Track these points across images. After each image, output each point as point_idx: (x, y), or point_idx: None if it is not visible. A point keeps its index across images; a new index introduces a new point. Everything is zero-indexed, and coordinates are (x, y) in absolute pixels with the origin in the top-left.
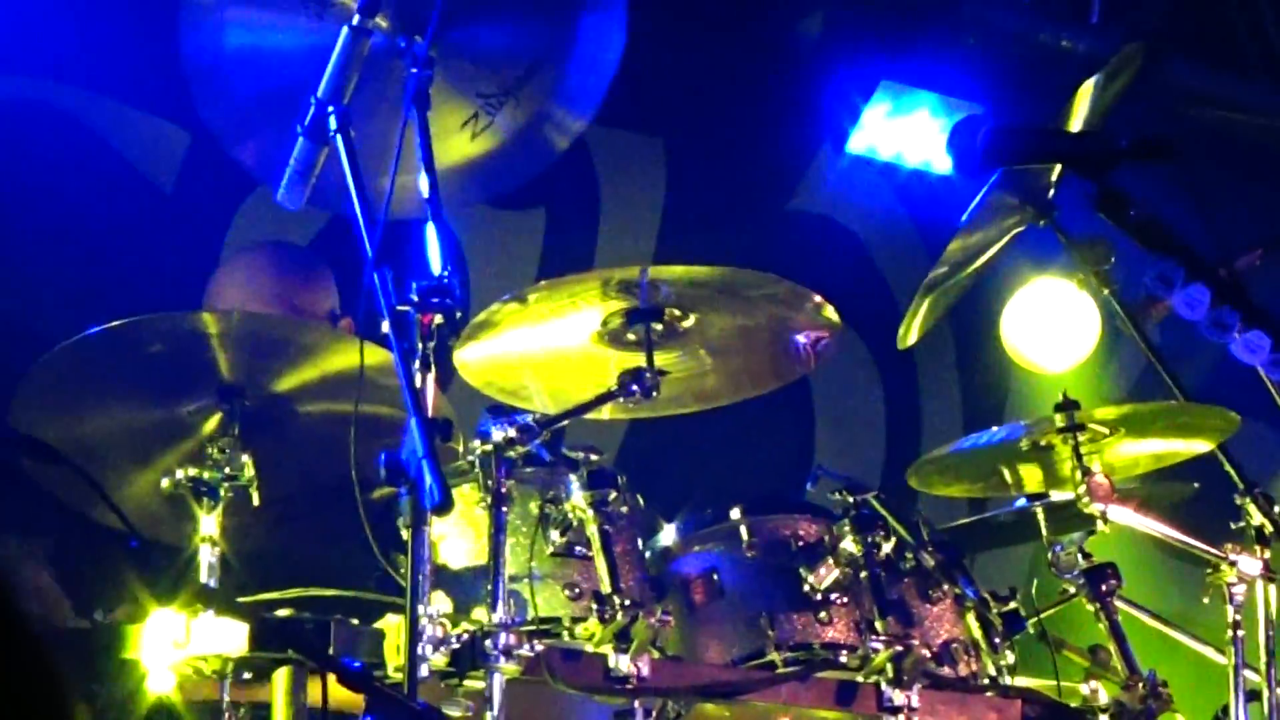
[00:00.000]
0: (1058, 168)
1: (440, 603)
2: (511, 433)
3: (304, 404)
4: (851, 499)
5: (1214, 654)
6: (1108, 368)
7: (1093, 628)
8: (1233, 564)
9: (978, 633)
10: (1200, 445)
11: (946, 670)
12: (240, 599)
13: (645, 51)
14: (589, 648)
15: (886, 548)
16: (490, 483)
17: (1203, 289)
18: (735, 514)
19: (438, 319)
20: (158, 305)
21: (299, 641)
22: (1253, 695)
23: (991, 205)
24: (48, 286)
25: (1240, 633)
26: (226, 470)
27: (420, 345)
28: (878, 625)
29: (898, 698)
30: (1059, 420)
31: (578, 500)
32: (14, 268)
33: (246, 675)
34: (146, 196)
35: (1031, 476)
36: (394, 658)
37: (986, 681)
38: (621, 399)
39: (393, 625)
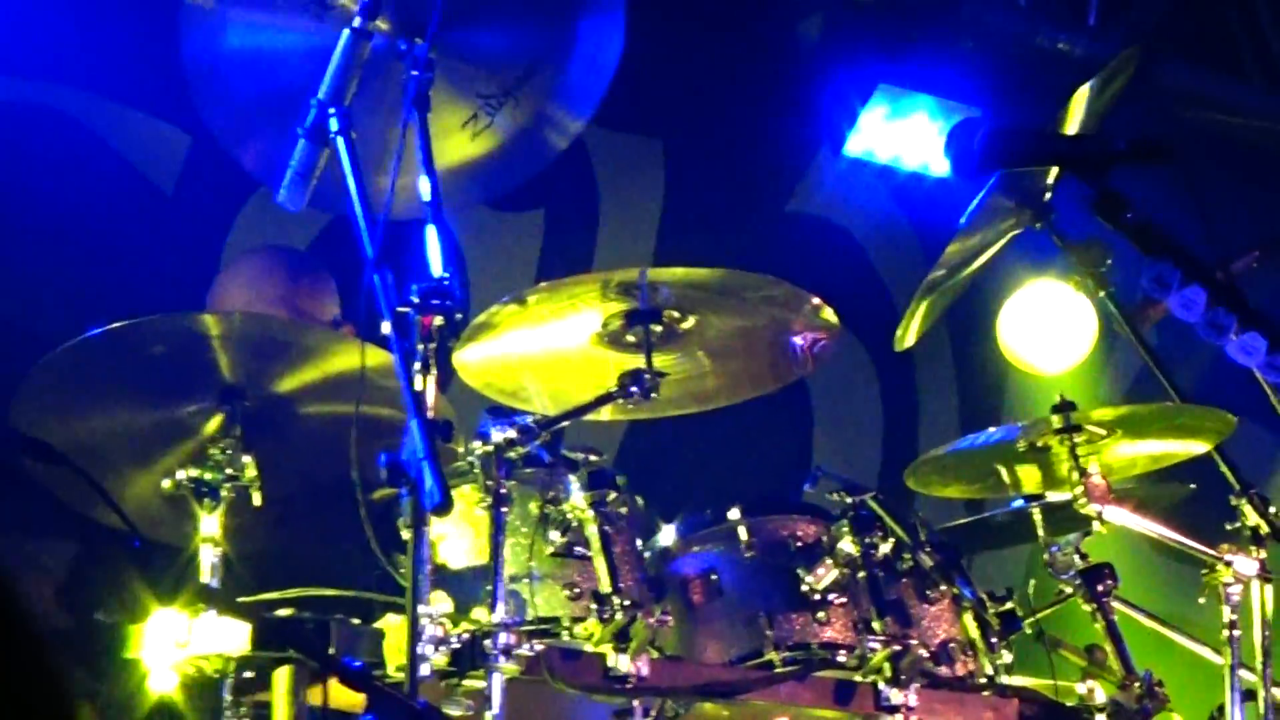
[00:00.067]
0: (1055, 170)
1: (440, 602)
2: (511, 434)
3: (305, 405)
4: (849, 500)
5: (1210, 654)
6: (1104, 369)
7: (1089, 628)
8: (1229, 564)
9: (975, 632)
10: (1197, 446)
11: (944, 670)
12: (241, 599)
13: (644, 53)
14: (588, 647)
15: (884, 548)
16: (490, 483)
17: (1199, 291)
18: (734, 514)
19: (438, 320)
20: (159, 306)
21: (300, 641)
22: (1248, 695)
23: (989, 208)
24: (49, 288)
25: (1236, 633)
26: (228, 471)
27: (420, 347)
28: (875, 625)
29: (895, 697)
30: (1056, 421)
31: (577, 501)
32: (16, 269)
33: (248, 674)
34: (148, 198)
35: (1029, 477)
36: (394, 657)
37: (984, 681)
38: (621, 400)
39: (393, 625)
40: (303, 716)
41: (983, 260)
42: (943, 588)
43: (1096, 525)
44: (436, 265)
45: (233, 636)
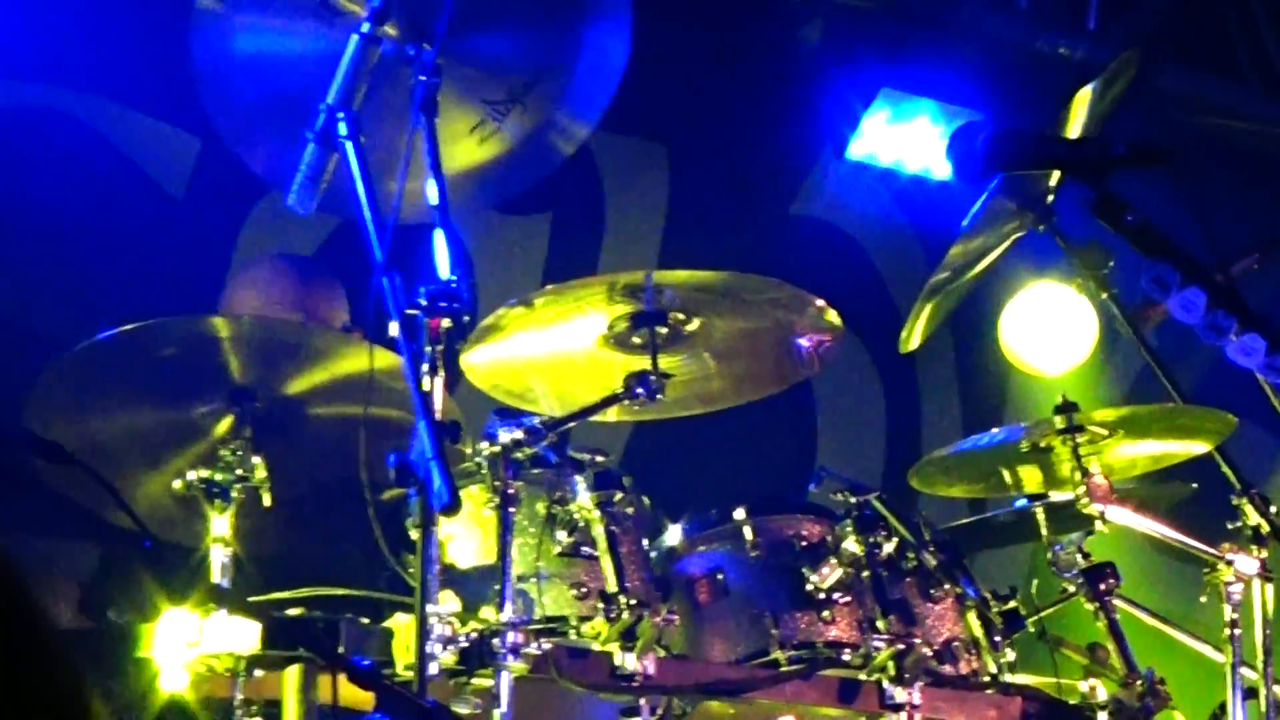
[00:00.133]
0: (1056, 173)
1: (449, 602)
2: (519, 435)
3: (314, 406)
4: (853, 500)
5: (1211, 652)
6: (1105, 370)
7: (1092, 626)
8: (1230, 563)
9: (978, 631)
10: (1198, 446)
11: (947, 668)
12: (252, 598)
13: (649, 59)
14: (595, 646)
15: (888, 548)
16: (498, 484)
17: (1199, 292)
18: (739, 514)
19: (446, 323)
20: (170, 309)
21: (310, 640)
22: (1250, 693)
23: (992, 210)
24: (61, 290)
25: (1237, 631)
26: (238, 472)
27: (428, 349)
28: (880, 624)
29: (899, 695)
30: (1058, 422)
31: (584, 501)
32: (28, 272)
33: (258, 673)
34: (158, 201)
35: (1031, 477)
36: (403, 656)
37: (987, 679)
38: (627, 401)
39: (402, 624)
40: (312, 715)
41: (986, 263)
42: (946, 587)
43: (1099, 525)
44: (444, 268)
45: (243, 636)
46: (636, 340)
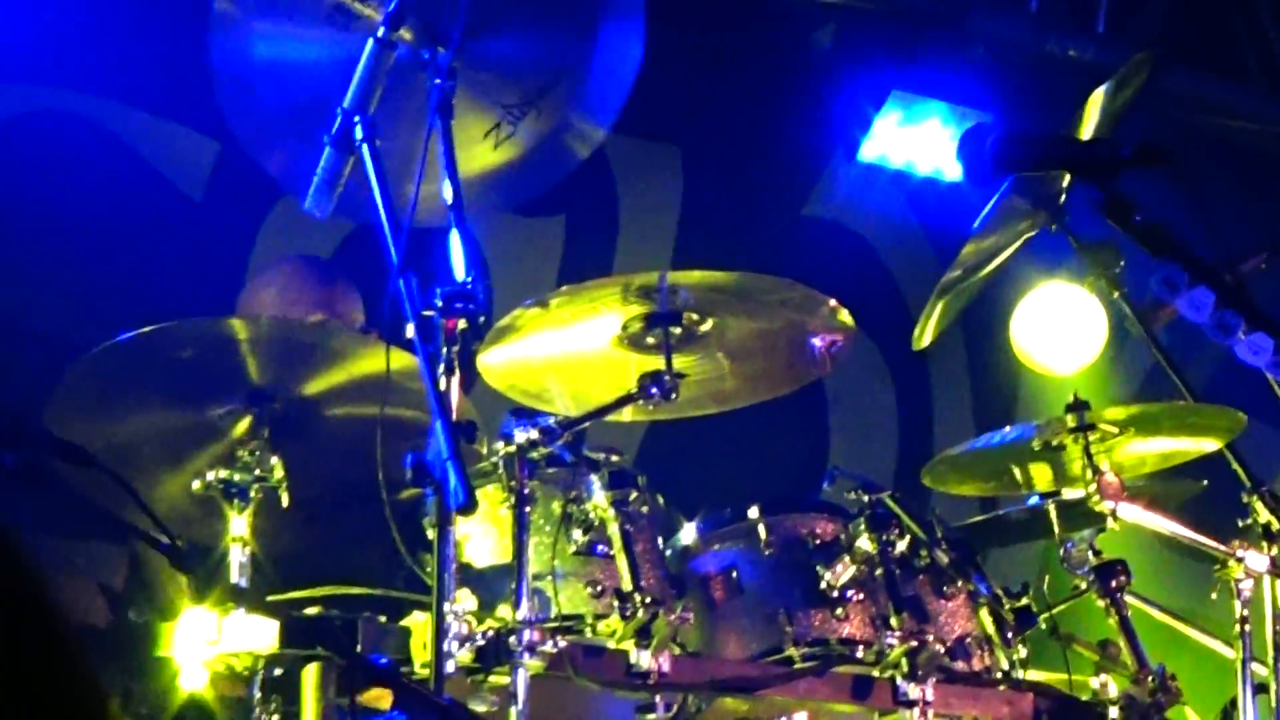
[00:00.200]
0: (1067, 174)
1: (466, 600)
2: (534, 434)
3: (332, 407)
4: (866, 498)
5: (1222, 648)
6: (1116, 369)
7: (1103, 623)
8: (1240, 560)
9: (991, 628)
10: (1208, 444)
11: (960, 664)
12: (270, 597)
13: (663, 63)
14: (611, 644)
15: (901, 545)
16: (513, 483)
17: (1207, 292)
18: (753, 513)
19: (461, 324)
20: (188, 311)
21: (328, 639)
22: (1260, 689)
23: (1004, 210)
24: (81, 293)
25: (1248, 627)
26: (256, 472)
27: (444, 349)
28: (893, 621)
29: (913, 692)
30: (1070, 420)
31: (599, 500)
32: (48, 275)
33: (277, 671)
34: (176, 204)
35: (1042, 475)
36: (420, 654)
37: (999, 675)
38: (641, 401)
39: (419, 622)
40: (330, 713)
41: (998, 262)
42: (959, 584)
43: (1110, 522)
44: (460, 270)
45: (262, 634)
46: (651, 340)
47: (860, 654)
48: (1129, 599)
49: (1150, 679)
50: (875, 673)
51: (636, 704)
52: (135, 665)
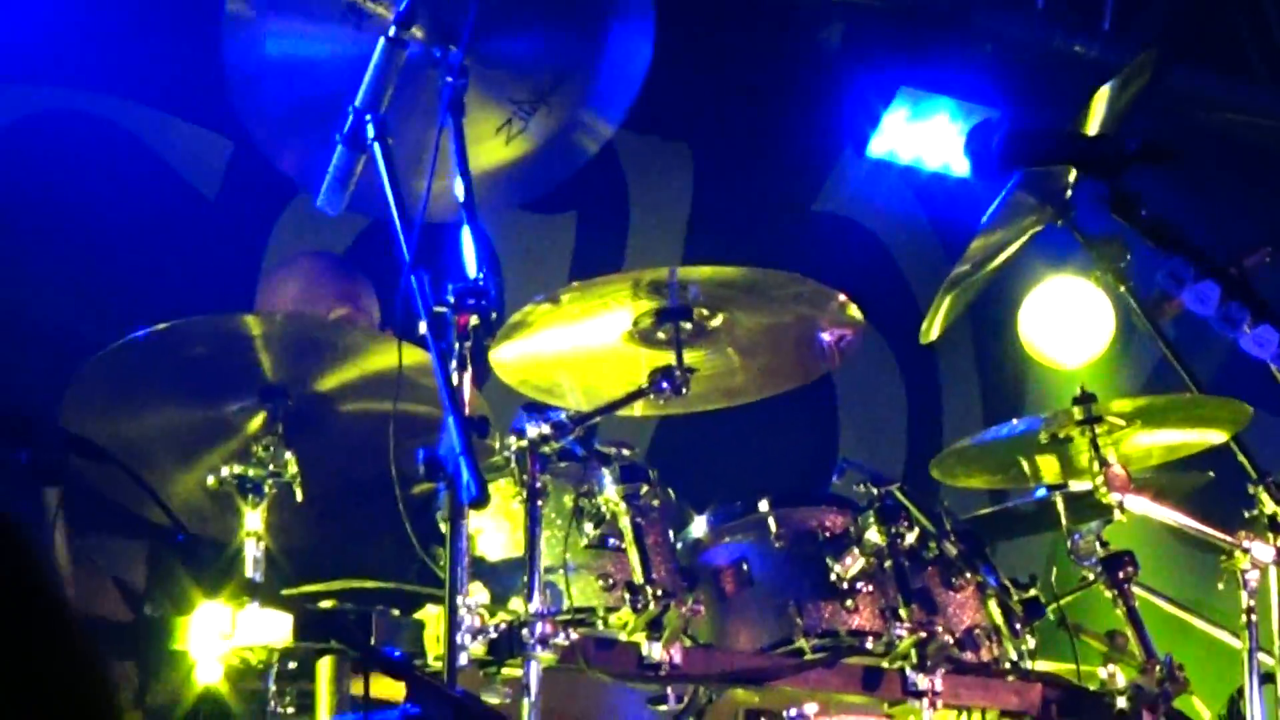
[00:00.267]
0: (1074, 169)
1: (478, 594)
2: (546, 429)
3: (345, 403)
4: (876, 490)
5: (1229, 638)
6: (1123, 362)
7: (1111, 613)
8: (1246, 551)
9: (999, 619)
10: (1214, 436)
11: (969, 655)
12: (284, 591)
13: (672, 60)
14: (623, 636)
15: (910, 537)
16: (526, 478)
17: (1212, 285)
18: (763, 506)
19: (473, 320)
20: (202, 308)
21: (342, 632)
22: (1267, 678)
23: (1011, 205)
24: (96, 290)
25: (1254, 617)
26: (270, 467)
27: (457, 345)
28: (902, 612)
29: (922, 682)
30: (1077, 413)
31: (610, 494)
32: (64, 273)
33: (291, 665)
34: (191, 202)
35: (1050, 467)
36: (434, 647)
37: (1008, 666)
38: (652, 396)
39: (432, 616)
40: (345, 705)
41: (1005, 256)
42: (967, 575)
43: (1117, 514)
44: (472, 266)
45: (276, 628)
46: (661, 336)
47: (870, 645)
48: (1136, 590)
49: (1158, 669)
50: (885, 664)
51: (648, 695)
52: (151, 659)
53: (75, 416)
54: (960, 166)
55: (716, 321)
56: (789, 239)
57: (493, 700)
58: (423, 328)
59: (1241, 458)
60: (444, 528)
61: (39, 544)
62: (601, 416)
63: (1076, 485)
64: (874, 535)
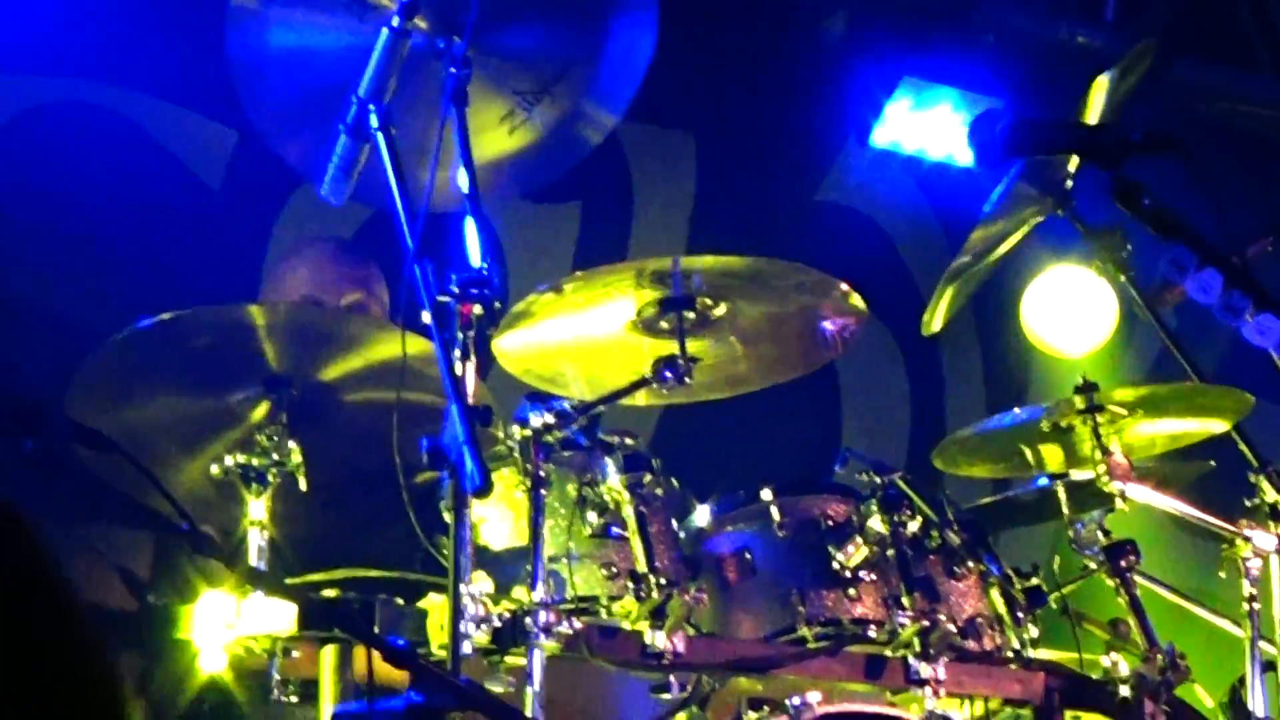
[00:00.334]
0: (1075, 159)
1: (482, 582)
2: (549, 418)
3: (349, 392)
4: (878, 479)
5: (1230, 627)
6: (1125, 351)
7: (1113, 602)
8: (1248, 539)
9: (1001, 607)
10: (1216, 425)
11: (971, 644)
12: (288, 580)
13: (676, 50)
14: (626, 625)
15: (913, 526)
16: (529, 466)
17: (1215, 274)
18: (766, 495)
19: (477, 309)
20: (207, 298)
21: (345, 621)
22: (1268, 666)
23: (1012, 195)
24: (101, 280)
25: (1256, 606)
26: (274, 457)
27: (460, 335)
28: (905, 601)
29: (924, 671)
30: (1079, 402)
31: (614, 483)
32: (68, 262)
33: (295, 653)
34: (195, 193)
35: (1052, 456)
36: (437, 636)
37: (1010, 655)
38: (655, 385)
39: (436, 604)
40: (348, 694)
41: (1006, 246)
42: (970, 564)
43: (1119, 502)
44: (475, 256)
45: (280, 617)
46: (664, 325)
47: (873, 634)
48: (1138, 578)
49: (1160, 657)
50: (888, 652)
51: (651, 684)
52: (155, 648)
53: (80, 406)
54: (963, 156)
55: (720, 311)
56: (792, 229)
57: (496, 689)
58: (427, 317)
59: (1243, 446)
60: (447, 517)
61: (45, 533)
62: (605, 406)
63: (1078, 474)
64: (877, 524)
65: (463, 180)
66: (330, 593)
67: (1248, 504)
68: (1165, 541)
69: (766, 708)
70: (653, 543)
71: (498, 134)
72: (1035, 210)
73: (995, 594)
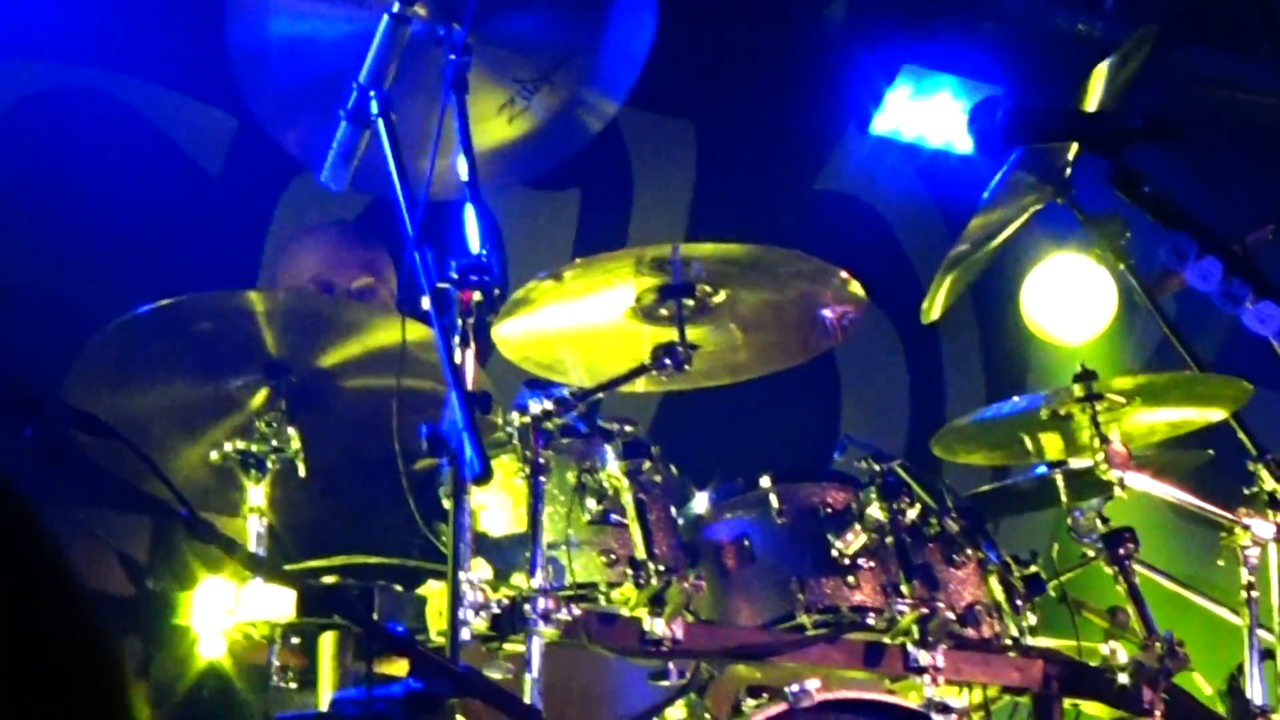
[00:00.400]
0: (1074, 147)
1: (481, 569)
2: (549, 405)
3: (348, 379)
4: (877, 467)
5: (1229, 615)
6: (1124, 339)
7: (1111, 590)
8: (1246, 528)
9: (1000, 595)
10: (1214, 413)
11: (970, 632)
12: (287, 566)
13: (675, 37)
14: (625, 612)
15: (912, 514)
16: (528, 453)
17: (1215, 262)
18: (765, 482)
19: (476, 296)
20: (206, 284)
21: (344, 607)
22: (1267, 654)
23: (1011, 183)
24: (100, 266)
25: (1254, 594)
26: (273, 443)
27: (460, 322)
28: (904, 589)
29: (923, 658)
30: (1078, 390)
31: (613, 470)
32: (68, 248)
33: (294, 640)
34: (195, 179)
35: (1051, 444)
36: (436, 622)
37: (1009, 642)
38: (655, 372)
39: (435, 591)
40: (347, 680)
41: (1006, 235)
42: (969, 552)
43: (1118, 491)
44: (475, 243)
45: (279, 603)
46: (664, 312)
47: (871, 621)
48: (1137, 566)
49: (1158, 645)
50: (886, 639)
51: (650, 671)
52: (154, 634)
53: (79, 391)
54: (963, 144)
55: (719, 298)
56: (791, 216)
57: (495, 675)
58: (426, 304)
59: (1242, 435)
60: (447, 503)
61: (46, 517)
62: (604, 393)
63: (1077, 462)
64: (875, 511)
65: (462, 167)
66: (329, 579)
67: (1246, 492)
68: (1164, 530)
69: (765, 695)
70: (652, 530)
71: (497, 121)
72: (1035, 198)
73: (994, 582)
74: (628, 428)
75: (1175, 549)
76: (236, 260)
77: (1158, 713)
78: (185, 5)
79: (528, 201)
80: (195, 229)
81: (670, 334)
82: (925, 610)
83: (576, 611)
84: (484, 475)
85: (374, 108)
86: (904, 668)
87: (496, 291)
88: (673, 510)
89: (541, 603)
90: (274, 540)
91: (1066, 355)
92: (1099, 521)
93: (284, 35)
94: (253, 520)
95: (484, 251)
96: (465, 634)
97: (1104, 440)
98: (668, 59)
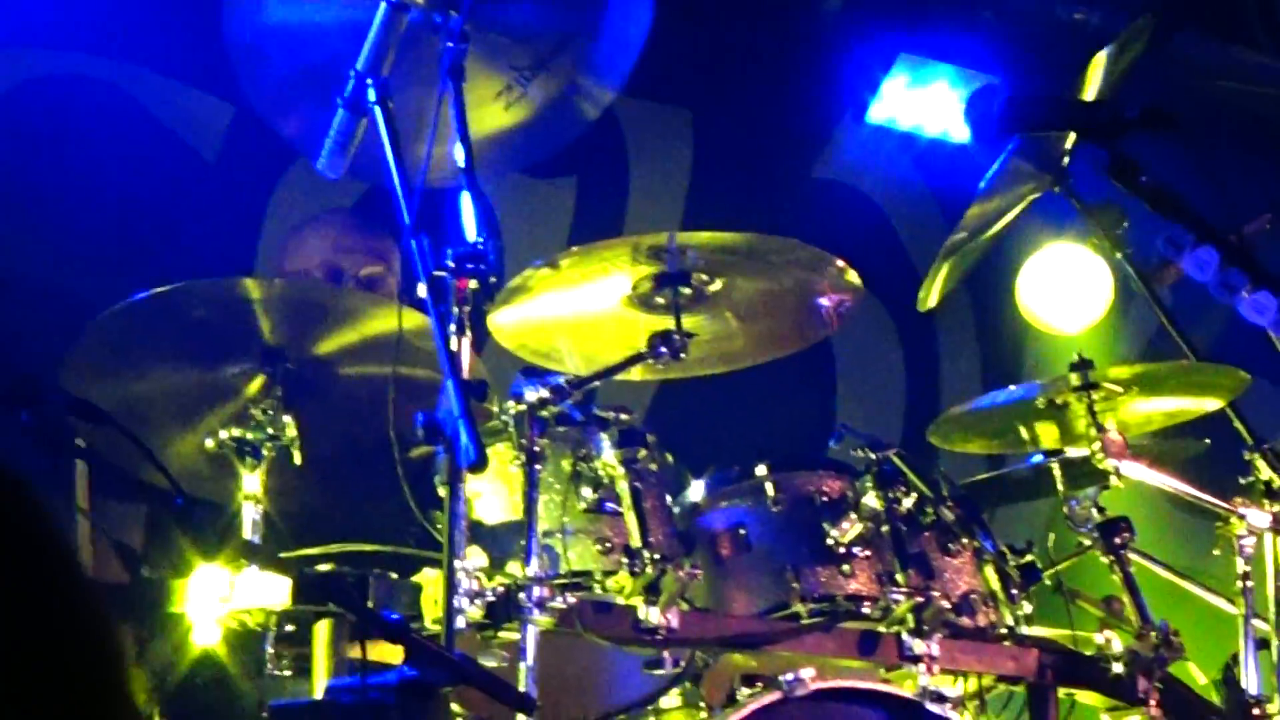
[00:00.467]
0: (1072, 136)
1: (476, 557)
2: (544, 393)
3: (344, 366)
4: (873, 456)
5: (1224, 604)
6: (1121, 328)
7: (1107, 579)
8: (1242, 517)
9: (995, 584)
10: (1211, 403)
11: (965, 620)
12: (282, 554)
13: (672, 26)
14: (620, 600)
15: (907, 503)
16: (524, 441)
17: (1211, 251)
18: (761, 470)
19: (473, 284)
20: (203, 271)
21: (339, 595)
22: (1262, 644)
23: (1008, 172)
24: (97, 253)
25: (1249, 583)
26: (269, 430)
27: (456, 309)
28: (899, 577)
29: (918, 647)
30: (1074, 379)
31: (608, 458)
32: (64, 235)
33: (289, 628)
34: (191, 167)
35: (1047, 433)
36: (431, 610)
37: (1004, 631)
38: (651, 360)
39: (430, 579)
40: (342, 668)
41: (1002, 223)
42: (964, 541)
43: (1113, 480)
44: (471, 231)
45: (274, 591)
46: (660, 300)
47: (866, 610)
48: (1132, 556)
49: (1153, 634)
50: (881, 628)
51: (645, 660)
52: (149, 621)
53: (75, 378)
54: (960, 133)
55: (715, 286)
56: (788, 205)
57: (490, 663)
58: (422, 291)
59: (1238, 424)
60: (442, 491)
61: (48, 503)
62: (600, 381)
63: (1073, 451)
64: (871, 500)
65: (459, 155)
66: (324, 567)
67: (1242, 482)
68: (1159, 519)
69: (760, 684)
70: (647, 518)
71: (494, 109)
72: (1032, 187)
73: (989, 571)
74: (623, 416)
75: (1171, 538)
76: (233, 247)
77: (1153, 702)
78: None
79: (524, 189)
80: (191, 216)
81: (666, 322)
82: (920, 599)
83: (571, 599)
84: (479, 463)
85: (371, 95)
86: (899, 656)
87: (493, 279)
88: (668, 498)
89: (537, 591)
90: (269, 527)
91: (1063, 344)
92: (1095, 511)
93: (281, 22)
94: (248, 507)
95: (480, 239)
96: (460, 622)
97: (1100, 429)
98: (665, 47)
